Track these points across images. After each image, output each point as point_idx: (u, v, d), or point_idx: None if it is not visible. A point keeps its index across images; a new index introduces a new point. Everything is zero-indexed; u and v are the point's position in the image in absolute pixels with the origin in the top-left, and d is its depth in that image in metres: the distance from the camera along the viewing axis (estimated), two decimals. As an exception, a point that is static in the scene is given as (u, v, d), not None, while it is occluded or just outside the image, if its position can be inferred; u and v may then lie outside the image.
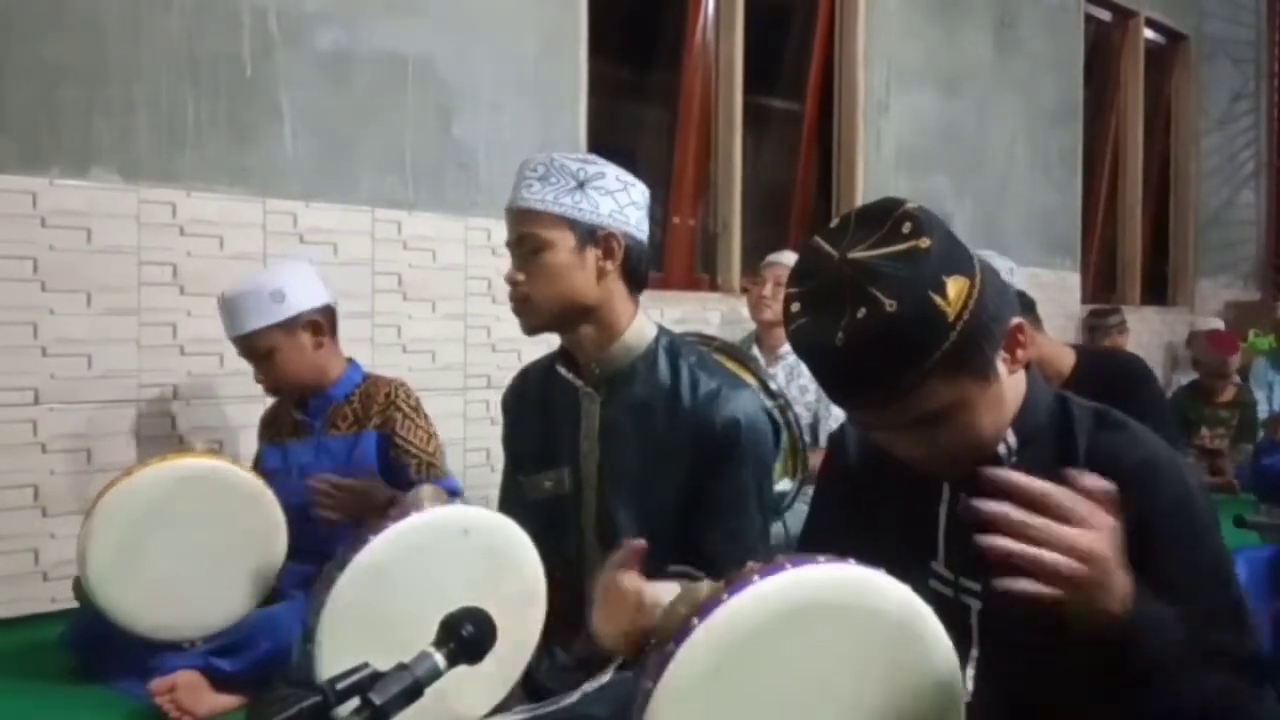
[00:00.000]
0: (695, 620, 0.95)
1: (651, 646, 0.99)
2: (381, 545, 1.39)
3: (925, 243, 1.08)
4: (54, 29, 2.76)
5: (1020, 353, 1.20)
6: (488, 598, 1.22)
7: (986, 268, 1.15)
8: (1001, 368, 1.17)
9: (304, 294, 2.53)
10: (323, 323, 2.55)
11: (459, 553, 1.45)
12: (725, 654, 0.94)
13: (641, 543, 1.39)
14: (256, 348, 2.49)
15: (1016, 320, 1.18)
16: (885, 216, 1.11)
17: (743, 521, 1.69)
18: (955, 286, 1.08)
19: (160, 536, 2.16)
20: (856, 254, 1.09)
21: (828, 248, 1.12)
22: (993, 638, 1.20)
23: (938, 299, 1.07)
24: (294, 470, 2.53)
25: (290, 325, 2.48)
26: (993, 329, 1.14)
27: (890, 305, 1.06)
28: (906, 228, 1.10)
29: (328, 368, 2.56)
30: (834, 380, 1.15)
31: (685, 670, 0.94)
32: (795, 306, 1.14)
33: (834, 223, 1.17)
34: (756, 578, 0.96)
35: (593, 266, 1.69)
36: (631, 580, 1.38)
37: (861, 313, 1.07)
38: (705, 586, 0.99)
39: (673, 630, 0.96)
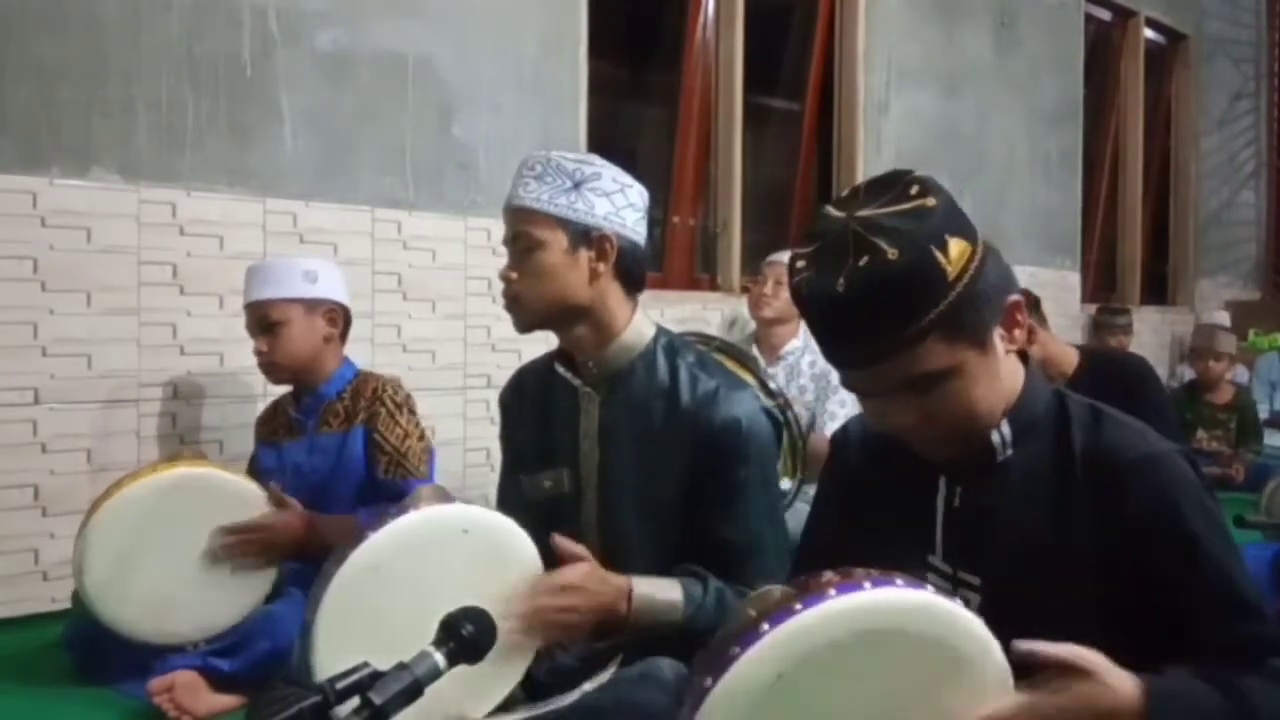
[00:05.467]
0: (765, 625, 0.93)
1: (711, 642, 0.97)
2: (379, 543, 1.38)
3: (931, 202, 1.11)
4: (54, 29, 2.76)
5: (1018, 332, 1.21)
6: (488, 597, 1.22)
7: (989, 245, 1.17)
8: (999, 344, 1.19)
9: (334, 286, 2.60)
10: (339, 318, 2.59)
11: (458, 551, 1.45)
12: (790, 664, 0.93)
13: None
14: (269, 316, 2.49)
15: (1015, 298, 1.21)
16: (894, 182, 1.14)
17: (746, 520, 1.68)
18: (957, 247, 1.11)
19: (155, 547, 2.16)
20: (863, 212, 1.12)
21: (835, 212, 1.15)
22: (992, 631, 1.20)
23: (939, 254, 1.09)
24: (288, 470, 2.53)
25: (312, 306, 2.53)
26: (992, 298, 1.16)
27: (892, 254, 1.08)
28: (914, 190, 1.13)
29: (326, 362, 2.56)
30: (833, 330, 1.15)
31: (748, 673, 0.92)
32: (800, 264, 1.15)
33: (844, 193, 1.19)
34: (833, 591, 0.94)
35: (585, 268, 1.69)
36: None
37: (864, 261, 1.09)
38: (777, 591, 0.97)
39: (738, 631, 0.95)
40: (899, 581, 0.97)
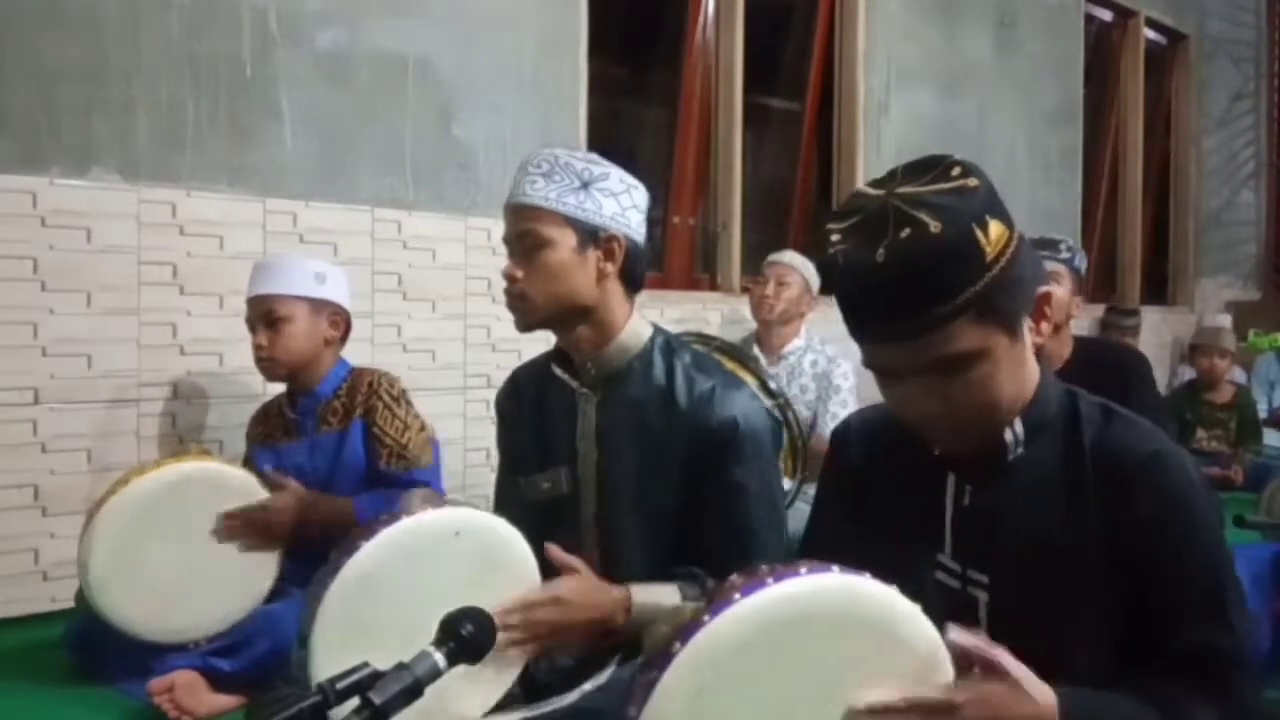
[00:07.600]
0: (677, 644, 0.94)
1: (638, 668, 0.98)
2: (371, 551, 1.38)
3: (973, 182, 1.12)
4: (54, 29, 2.76)
5: (1044, 324, 1.23)
6: (482, 598, 1.21)
7: (1023, 236, 1.17)
8: (1027, 334, 1.19)
9: (340, 290, 2.61)
10: (342, 322, 2.60)
11: (451, 555, 1.44)
12: (708, 675, 0.93)
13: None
14: (274, 311, 2.49)
15: (1045, 290, 1.23)
16: (935, 164, 1.15)
17: (743, 520, 1.68)
18: (997, 229, 1.11)
19: (160, 543, 2.16)
20: (904, 189, 1.12)
21: (874, 190, 1.15)
22: (1000, 629, 1.20)
23: (980, 233, 1.09)
24: (289, 471, 2.52)
25: (319, 306, 2.54)
26: (1025, 286, 1.16)
27: (935, 226, 1.07)
28: (956, 171, 1.13)
29: (322, 363, 2.56)
30: (867, 302, 1.13)
31: (669, 697, 0.93)
32: (835, 237, 1.14)
33: (881, 175, 1.19)
34: (738, 595, 0.95)
35: (593, 267, 1.68)
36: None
37: (905, 232, 1.08)
38: (689, 608, 0.98)
39: (655, 655, 0.95)
40: (803, 570, 0.97)
